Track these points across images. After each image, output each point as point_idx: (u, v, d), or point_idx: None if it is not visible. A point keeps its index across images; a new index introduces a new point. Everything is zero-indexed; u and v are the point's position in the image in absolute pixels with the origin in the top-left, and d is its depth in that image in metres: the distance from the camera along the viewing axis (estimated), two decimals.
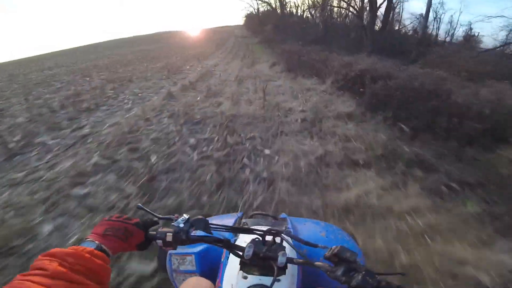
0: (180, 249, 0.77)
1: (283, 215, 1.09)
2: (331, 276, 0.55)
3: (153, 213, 0.66)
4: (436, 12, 13.70)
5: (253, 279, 0.62)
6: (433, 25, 13.93)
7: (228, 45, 19.69)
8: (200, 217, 0.64)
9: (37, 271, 0.42)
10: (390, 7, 12.89)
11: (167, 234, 0.61)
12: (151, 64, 11.97)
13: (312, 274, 0.75)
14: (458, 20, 14.12)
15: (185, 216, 0.64)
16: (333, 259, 0.57)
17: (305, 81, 6.82)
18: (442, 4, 15.13)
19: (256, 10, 30.70)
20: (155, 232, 0.63)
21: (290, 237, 0.69)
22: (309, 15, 20.48)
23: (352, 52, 9.07)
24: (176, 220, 0.63)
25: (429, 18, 12.99)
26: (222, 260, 0.74)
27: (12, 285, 0.39)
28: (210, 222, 0.85)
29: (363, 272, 0.52)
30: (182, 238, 0.61)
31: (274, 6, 24.91)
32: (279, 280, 0.61)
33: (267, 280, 0.61)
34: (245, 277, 0.63)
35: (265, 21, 25.18)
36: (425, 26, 12.88)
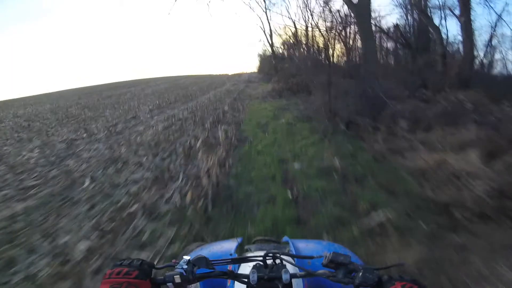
0: None
1: (285, 238, 1.10)
2: (334, 280, 0.60)
3: (154, 264, 0.67)
4: None
5: None
6: None
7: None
8: (200, 255, 0.68)
9: None
10: None
11: (175, 276, 0.62)
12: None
13: (317, 285, 0.79)
14: None
15: (185, 258, 0.67)
16: (331, 265, 0.62)
17: None
18: None
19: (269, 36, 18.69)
20: (162, 277, 0.64)
21: (288, 256, 0.75)
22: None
23: None
24: (177, 263, 0.65)
25: None
26: (228, 285, 0.76)
27: None
28: (210, 249, 0.97)
29: (362, 270, 0.57)
30: (189, 278, 0.63)
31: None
32: None
33: None
34: None
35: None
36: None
